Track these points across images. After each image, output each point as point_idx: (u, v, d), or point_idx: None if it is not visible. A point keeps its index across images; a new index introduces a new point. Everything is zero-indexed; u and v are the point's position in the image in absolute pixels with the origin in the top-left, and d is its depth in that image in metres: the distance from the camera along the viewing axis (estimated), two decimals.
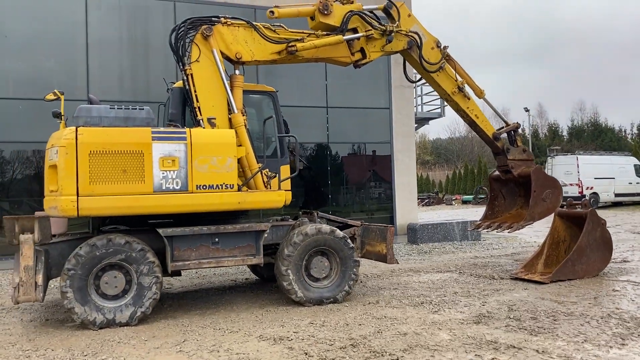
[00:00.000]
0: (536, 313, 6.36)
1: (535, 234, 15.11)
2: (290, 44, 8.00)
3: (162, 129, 6.82)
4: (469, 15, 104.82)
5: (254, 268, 9.35)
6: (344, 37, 8.38)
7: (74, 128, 6.35)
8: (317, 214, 8.21)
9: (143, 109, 6.94)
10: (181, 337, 5.85)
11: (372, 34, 8.58)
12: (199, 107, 7.48)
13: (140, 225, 7.29)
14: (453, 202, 38.77)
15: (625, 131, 61.70)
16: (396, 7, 8.91)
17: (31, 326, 6.61)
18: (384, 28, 8.67)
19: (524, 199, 10.32)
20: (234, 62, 7.92)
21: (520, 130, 10.20)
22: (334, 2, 8.42)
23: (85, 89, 13.18)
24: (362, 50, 8.71)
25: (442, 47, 9.34)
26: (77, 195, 6.23)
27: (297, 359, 4.99)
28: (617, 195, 26.69)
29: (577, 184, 25.56)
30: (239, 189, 6.98)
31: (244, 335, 5.81)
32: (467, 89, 9.61)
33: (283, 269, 7.08)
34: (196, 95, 7.51)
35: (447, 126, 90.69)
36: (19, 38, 12.90)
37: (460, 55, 9.79)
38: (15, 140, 12.71)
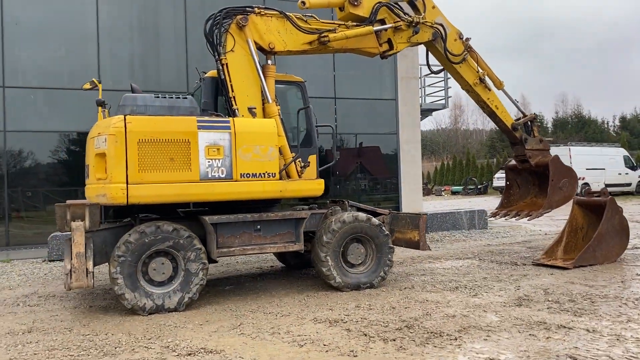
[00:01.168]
0: (572, 296, 6.62)
1: (539, 223, 15.47)
2: (322, 35, 8.12)
3: (206, 118, 6.91)
4: (453, 7, 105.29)
5: (280, 255, 9.49)
6: (374, 28, 8.53)
7: (122, 116, 6.42)
8: (348, 203, 8.38)
9: (186, 97, 7.02)
10: (235, 320, 5.99)
11: (400, 25, 8.73)
12: (233, 97, 7.57)
13: (172, 213, 7.39)
14: (443, 193, 39.26)
15: (607, 123, 62.96)
16: None
17: (78, 312, 6.69)
18: (411, 19, 8.83)
19: (538, 188, 10.63)
20: (266, 52, 8.02)
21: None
22: None
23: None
24: (389, 42, 8.85)
25: (464, 38, 9.53)
26: (127, 183, 6.31)
27: (358, 340, 5.16)
28: (607, 185, 27.25)
29: None
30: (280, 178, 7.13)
31: (298, 319, 5.97)
32: (487, 80, 9.83)
33: (322, 255, 7.24)
34: (231, 85, 7.60)
35: (432, 118, 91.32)
36: (29, 26, 12.79)
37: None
38: (26, 130, 12.64)
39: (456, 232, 14.13)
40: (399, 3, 9.03)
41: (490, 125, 77.43)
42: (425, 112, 18.93)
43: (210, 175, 6.70)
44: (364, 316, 5.98)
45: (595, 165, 26.82)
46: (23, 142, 12.74)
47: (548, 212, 9.78)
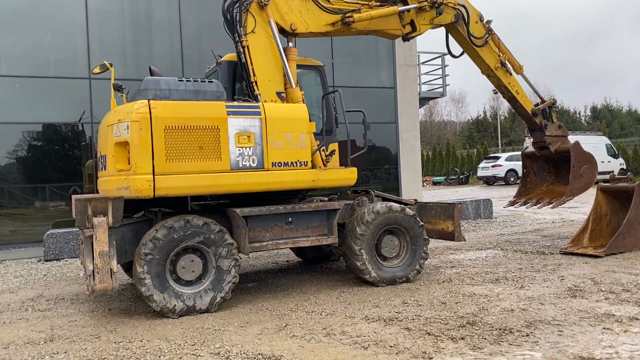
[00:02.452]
0: (624, 285, 6.35)
1: (541, 211, 15.34)
2: (347, 15, 7.67)
3: (235, 103, 6.39)
4: None
5: (298, 250, 9.03)
6: (399, 8, 8.11)
7: (146, 101, 5.85)
8: (374, 193, 7.95)
9: (212, 81, 6.48)
10: (278, 321, 5.52)
11: (425, 6, 8.33)
12: (255, 82, 7.06)
13: (184, 207, 6.87)
14: (425, 184, 39.22)
15: (580, 113, 63.95)
16: None
17: (98, 316, 6.12)
18: (434, 0, 8.43)
19: (554, 175, 10.43)
20: (287, 33, 7.53)
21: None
22: None
23: (86, 66, 12.40)
24: (412, 23, 8.46)
25: (484, 21, 9.19)
26: (153, 174, 5.76)
27: (425, 340, 4.76)
28: None
29: None
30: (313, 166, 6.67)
31: (347, 317, 5.54)
32: (507, 64, 9.52)
33: (356, 249, 6.81)
34: (253, 69, 7.08)
35: None
36: (11, 10, 11.95)
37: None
38: (11, 121, 11.83)
39: (463, 222, 13.85)
40: None
41: (464, 116, 77.98)
42: (423, 101, 18.62)
43: (241, 165, 6.20)
44: (416, 313, 5.58)
45: None
46: (6, 134, 11.93)
47: (570, 199, 9.57)
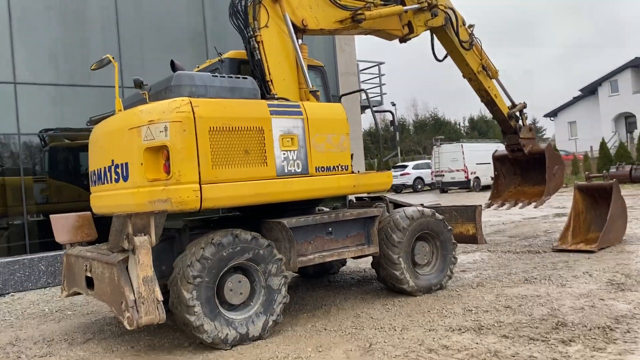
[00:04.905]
0: None
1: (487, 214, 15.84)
2: (358, 12, 7.29)
3: (276, 102, 5.74)
4: None
5: None
6: (405, 7, 7.89)
7: (187, 99, 5.04)
8: (389, 199, 7.60)
9: (247, 78, 5.77)
10: (356, 342, 4.95)
11: (425, 7, 8.20)
12: (271, 81, 6.44)
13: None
14: None
15: (459, 124, 68.53)
16: None
17: (147, 356, 5.11)
18: (429, 1, 8.34)
19: (520, 177, 10.78)
20: (298, 30, 6.99)
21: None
22: None
23: (11, 70, 10.76)
24: (409, 24, 8.27)
25: (466, 25, 9.27)
26: (200, 183, 4.95)
27: (537, 345, 4.49)
28: (492, 178, 29.33)
29: (463, 170, 27.62)
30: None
31: (428, 331, 5.10)
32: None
33: (395, 257, 6.39)
34: (268, 67, 6.46)
35: None
36: None
37: None
38: None
39: None
40: None
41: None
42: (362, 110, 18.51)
43: (286, 170, 5.56)
44: (496, 319, 5.30)
45: (483, 160, 28.57)
46: None
47: (548, 199, 9.89)
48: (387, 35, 8.18)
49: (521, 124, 10.09)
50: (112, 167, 5.46)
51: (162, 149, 4.99)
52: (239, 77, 5.69)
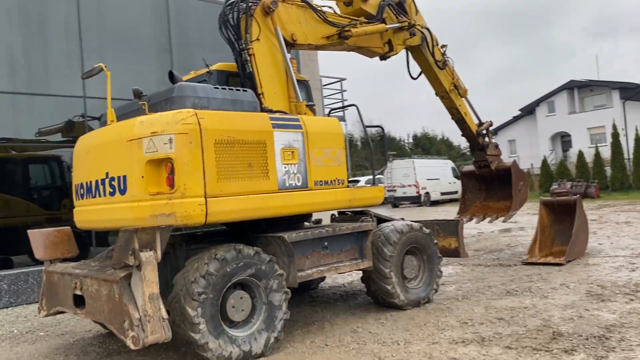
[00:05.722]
0: (627, 285, 6.93)
1: None
2: (345, 29, 7.39)
3: (277, 115, 5.69)
4: None
5: None
6: (387, 26, 8.06)
7: (192, 110, 4.93)
8: (373, 213, 7.66)
9: (247, 90, 5.71)
10: (365, 357, 4.94)
11: (405, 26, 8.39)
12: (262, 94, 6.42)
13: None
14: None
15: (404, 140, 70.13)
16: (413, 1, 8.84)
17: None
18: (409, 21, 8.55)
19: (485, 192, 11.12)
20: (287, 44, 7.00)
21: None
22: None
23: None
24: (389, 42, 8.44)
25: (439, 45, 9.55)
26: (205, 197, 4.84)
27: (542, 356, 4.64)
28: (442, 193, 30.18)
29: (414, 185, 28.22)
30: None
31: (432, 344, 5.15)
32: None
33: (386, 271, 6.44)
34: (260, 80, 6.43)
35: None
36: None
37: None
38: None
39: None
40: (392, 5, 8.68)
41: None
42: None
43: (287, 184, 5.53)
44: (494, 331, 5.42)
45: (433, 175, 29.45)
46: None
47: (515, 214, 10.26)
48: (369, 53, 8.31)
49: (488, 141, 10.44)
50: (107, 180, 5.24)
51: (165, 162, 4.85)
52: (239, 90, 5.62)
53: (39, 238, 6.12)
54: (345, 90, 17.26)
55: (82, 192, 5.74)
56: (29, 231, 6.14)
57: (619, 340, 4.91)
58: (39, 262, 6.19)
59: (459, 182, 31.15)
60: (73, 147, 6.09)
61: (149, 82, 11.87)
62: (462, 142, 61.89)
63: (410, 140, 71.58)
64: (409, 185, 28.30)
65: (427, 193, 28.83)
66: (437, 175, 29.81)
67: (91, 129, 11.10)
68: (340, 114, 17.12)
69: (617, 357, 4.51)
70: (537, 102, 44.33)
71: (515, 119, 47.19)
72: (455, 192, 31.50)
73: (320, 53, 16.33)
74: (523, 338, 5.13)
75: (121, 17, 12.10)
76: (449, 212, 23.25)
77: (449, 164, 31.93)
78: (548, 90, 44.44)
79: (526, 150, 43.96)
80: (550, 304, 6.37)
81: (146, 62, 12.50)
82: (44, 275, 6.00)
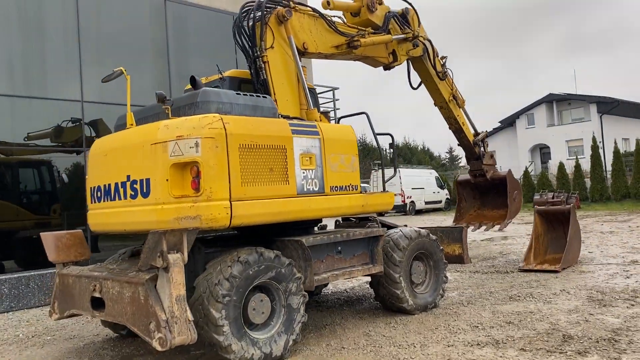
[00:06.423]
0: (625, 291, 7.17)
1: None
2: (354, 38, 7.54)
3: (296, 121, 5.81)
4: None
5: None
6: (393, 37, 8.24)
7: (217, 115, 5.01)
8: (377, 219, 7.79)
9: (266, 97, 5.81)
10: (391, 359, 5.04)
11: (409, 37, 8.59)
12: (276, 101, 6.53)
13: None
14: None
15: (385, 150, 70.62)
16: (416, 12, 9.04)
17: None
18: (413, 32, 8.75)
19: (479, 201, 11.35)
20: (299, 52, 7.12)
21: None
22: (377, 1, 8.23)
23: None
24: (393, 53, 8.63)
25: (439, 56, 9.77)
26: (230, 200, 4.91)
27: (558, 357, 4.79)
28: (427, 202, 30.51)
29: (400, 194, 28.46)
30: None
31: (448, 347, 5.28)
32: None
33: (396, 276, 6.57)
34: (273, 87, 6.55)
35: None
36: None
37: None
38: None
39: None
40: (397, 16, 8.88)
41: None
42: None
43: (305, 189, 5.63)
44: (505, 334, 5.58)
45: (417, 185, 29.77)
46: None
47: (510, 222, 10.49)
48: (374, 62, 8.48)
49: (483, 151, 10.66)
50: (128, 183, 5.28)
51: (191, 165, 4.91)
52: (259, 96, 5.72)
53: (51, 241, 6.11)
54: (337, 99, 17.44)
55: (99, 195, 5.75)
56: (41, 234, 6.13)
57: (628, 342, 5.10)
58: (52, 265, 6.17)
59: (442, 192, 31.94)
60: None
61: (145, 87, 11.90)
62: (442, 153, 62.84)
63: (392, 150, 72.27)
64: (395, 194, 28.46)
65: (412, 202, 29.12)
66: (421, 185, 30.14)
67: (97, 133, 11.08)
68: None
69: (630, 358, 4.69)
70: (517, 115, 45.18)
71: (496, 130, 47.98)
72: (439, 202, 32.01)
73: (313, 62, 16.48)
74: (535, 341, 5.29)
75: (119, 22, 12.11)
76: (435, 221, 23.57)
77: (433, 173, 32.32)
78: (526, 103, 45.27)
79: (506, 162, 44.57)
80: (554, 308, 6.56)
81: (143, 67, 12.51)
82: (56, 278, 5.98)
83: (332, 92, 17.38)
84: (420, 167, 33.74)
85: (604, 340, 5.19)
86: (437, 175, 32.55)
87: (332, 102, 17.45)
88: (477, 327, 5.94)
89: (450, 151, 63.10)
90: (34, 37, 11.21)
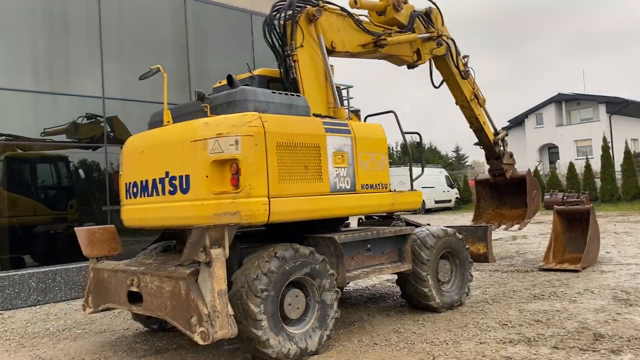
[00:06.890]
0: None
1: None
2: (381, 37, 7.60)
3: (329, 120, 5.88)
4: None
5: None
6: (418, 36, 8.30)
7: (257, 114, 5.09)
8: (403, 218, 7.85)
9: (300, 96, 5.88)
10: (420, 355, 5.11)
11: (434, 36, 8.64)
12: None
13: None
14: None
15: (392, 149, 70.67)
16: (440, 12, 9.09)
17: None
18: (437, 31, 8.80)
19: (497, 200, 11.40)
20: (327, 51, 7.19)
21: None
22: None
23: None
24: (417, 51, 8.67)
25: (461, 55, 9.81)
26: (269, 197, 4.99)
27: (592, 355, 4.85)
28: (436, 202, 30.54)
29: None
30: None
31: (480, 344, 5.34)
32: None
33: (424, 274, 6.63)
34: (303, 86, 6.61)
35: None
36: None
37: None
38: None
39: None
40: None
41: None
42: None
43: (338, 187, 5.70)
44: (536, 332, 5.63)
45: (427, 184, 29.71)
46: None
47: (529, 221, 10.54)
48: (399, 61, 8.53)
49: (503, 150, 10.70)
50: (166, 179, 5.36)
51: (230, 162, 4.99)
52: (293, 95, 5.79)
53: (84, 235, 6.21)
54: (352, 98, 17.51)
55: (134, 191, 5.83)
56: (75, 229, 6.22)
57: None
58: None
59: (452, 191, 31.94)
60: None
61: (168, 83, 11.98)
62: (448, 152, 62.77)
63: (399, 148, 72.31)
64: None
65: (423, 201, 29.10)
66: (431, 184, 30.13)
67: (112, 129, 11.17)
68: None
69: None
70: (526, 114, 45.08)
71: (504, 129, 47.94)
72: (449, 201, 32.01)
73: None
74: (566, 339, 5.34)
75: (140, 18, 12.20)
76: (445, 220, 23.62)
77: (443, 172, 32.34)
78: (535, 102, 45.19)
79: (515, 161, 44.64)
80: (580, 307, 6.61)
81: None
82: (90, 272, 6.08)
83: (346, 90, 17.45)
84: (430, 166, 33.70)
85: (636, 339, 5.23)
86: (447, 174, 32.54)
87: (347, 100, 17.50)
88: (506, 325, 5.99)
89: (457, 150, 63.12)
90: (57, 35, 11.31)
